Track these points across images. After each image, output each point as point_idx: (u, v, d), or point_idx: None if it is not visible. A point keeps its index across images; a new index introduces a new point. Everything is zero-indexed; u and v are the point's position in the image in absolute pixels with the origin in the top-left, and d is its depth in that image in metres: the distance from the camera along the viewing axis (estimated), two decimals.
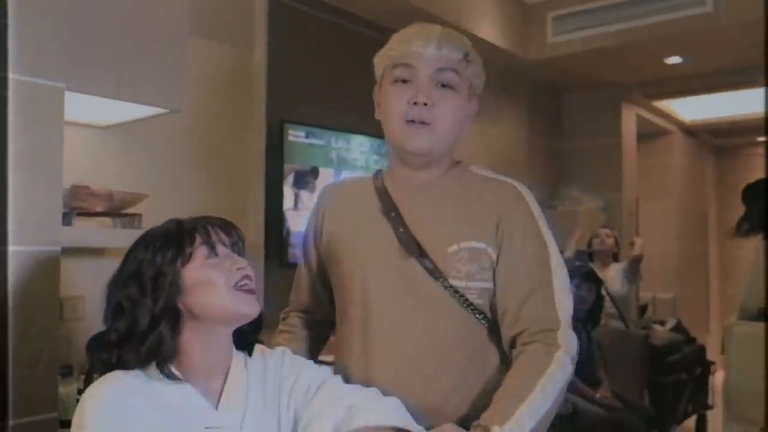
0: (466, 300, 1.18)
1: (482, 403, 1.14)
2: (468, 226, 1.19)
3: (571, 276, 3.43)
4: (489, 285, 1.19)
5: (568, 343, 1.14)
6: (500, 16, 3.97)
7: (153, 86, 1.70)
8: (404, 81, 1.20)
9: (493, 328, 1.20)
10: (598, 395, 3.07)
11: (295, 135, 2.94)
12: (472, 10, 3.71)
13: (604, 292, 3.59)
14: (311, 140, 3.02)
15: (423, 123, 1.19)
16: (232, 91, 2.62)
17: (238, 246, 1.07)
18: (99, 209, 1.71)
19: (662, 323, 4.64)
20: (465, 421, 1.13)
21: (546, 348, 1.12)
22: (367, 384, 1.17)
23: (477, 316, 1.19)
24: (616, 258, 4.22)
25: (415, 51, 1.20)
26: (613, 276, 4.08)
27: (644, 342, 3.67)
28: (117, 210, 1.78)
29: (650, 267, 5.17)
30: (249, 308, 1.02)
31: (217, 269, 1.01)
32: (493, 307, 1.20)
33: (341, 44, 3.15)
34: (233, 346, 1.08)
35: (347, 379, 1.19)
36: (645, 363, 3.61)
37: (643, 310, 5.04)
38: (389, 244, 1.21)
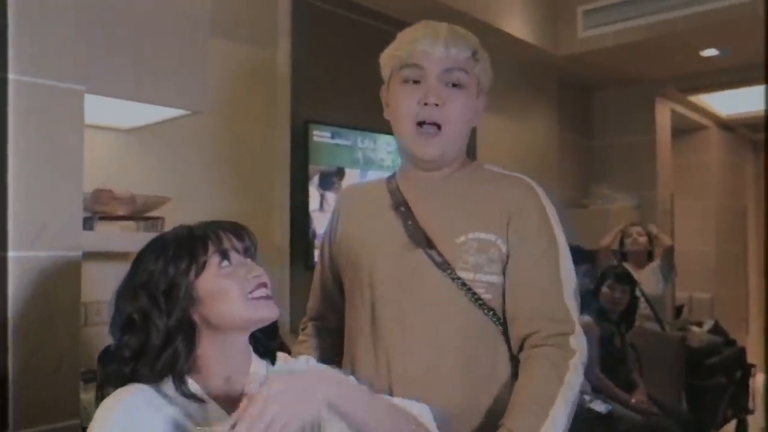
0: (474, 294, 1.16)
1: (489, 400, 1.15)
2: (478, 218, 1.19)
3: (605, 277, 3.40)
4: (497, 279, 1.18)
5: (582, 348, 1.13)
6: (529, 11, 3.90)
7: (173, 88, 1.69)
8: (414, 81, 1.20)
9: (503, 326, 1.19)
10: (633, 400, 3.01)
11: (320, 135, 2.91)
12: (500, 6, 3.64)
13: (638, 293, 3.51)
14: (337, 140, 2.98)
15: (434, 124, 1.19)
16: (256, 92, 2.61)
17: (251, 251, 1.04)
18: (121, 213, 1.70)
19: (699, 324, 4.51)
20: (471, 418, 1.14)
21: (562, 353, 1.11)
22: (377, 378, 1.18)
23: (486, 312, 1.18)
24: (650, 257, 4.11)
25: (423, 51, 1.19)
26: (648, 276, 3.97)
27: (681, 344, 3.57)
28: (140, 214, 1.76)
29: (687, 266, 5.04)
30: (266, 312, 0.99)
31: (231, 278, 0.98)
32: (502, 304, 1.19)
33: (367, 43, 3.10)
34: (252, 353, 1.05)
35: (355, 375, 1.18)
36: (682, 366, 3.52)
37: (679, 311, 4.91)
38: (398, 238, 1.21)
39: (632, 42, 3.93)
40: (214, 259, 0.98)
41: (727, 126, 6.38)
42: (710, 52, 4.23)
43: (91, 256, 1.57)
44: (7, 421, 1.23)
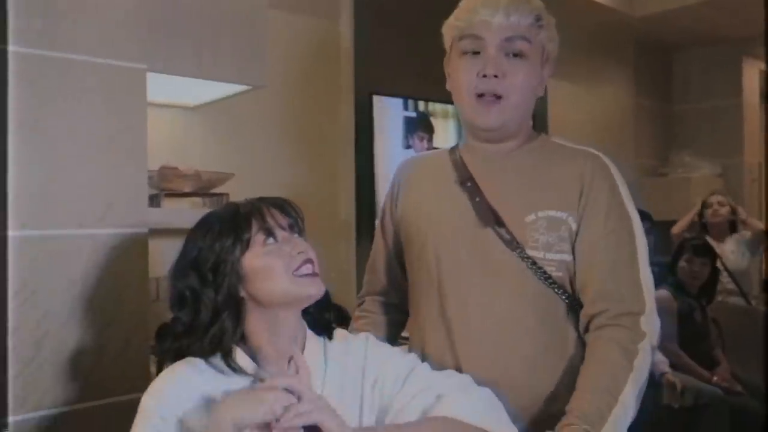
0: (544, 272, 1.13)
1: (561, 381, 1.12)
2: (547, 194, 1.15)
3: (682, 249, 3.22)
4: (569, 257, 1.14)
5: (653, 330, 1.09)
6: None
7: (234, 63, 1.69)
8: (474, 53, 1.16)
9: (572, 304, 1.15)
10: (715, 378, 2.88)
11: (384, 107, 2.86)
12: None
13: (719, 266, 3.33)
14: (403, 112, 2.93)
15: (494, 96, 1.14)
16: (319, 65, 2.59)
17: (296, 226, 1.03)
18: (187, 190, 1.73)
19: None
20: (542, 399, 1.11)
21: (631, 335, 1.07)
22: (449, 360, 1.16)
23: (556, 290, 1.14)
24: (734, 228, 3.86)
25: (482, 20, 1.14)
26: (731, 249, 3.74)
27: None
28: (205, 190, 1.79)
29: None
30: (312, 289, 0.99)
31: (276, 255, 0.98)
32: (572, 282, 1.14)
33: (429, 11, 3.02)
34: (306, 329, 1.05)
35: (425, 357, 1.17)
36: None
37: (767, 284, 4.64)
38: (465, 215, 1.17)
39: None
40: (258, 237, 0.99)
41: None
42: None
43: (160, 232, 1.60)
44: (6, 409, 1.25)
